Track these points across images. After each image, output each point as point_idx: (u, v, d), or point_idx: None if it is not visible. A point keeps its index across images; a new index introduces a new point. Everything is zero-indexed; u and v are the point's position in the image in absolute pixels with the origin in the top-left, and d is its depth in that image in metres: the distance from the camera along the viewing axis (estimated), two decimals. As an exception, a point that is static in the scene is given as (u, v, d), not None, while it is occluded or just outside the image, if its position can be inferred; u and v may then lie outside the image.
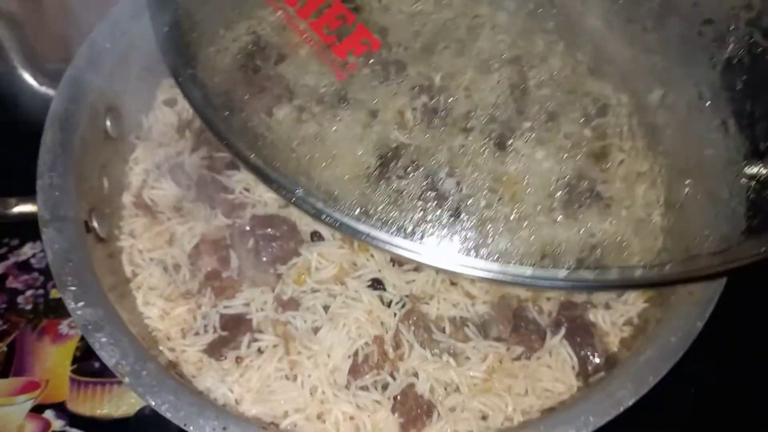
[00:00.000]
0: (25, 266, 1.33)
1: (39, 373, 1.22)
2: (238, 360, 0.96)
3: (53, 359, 1.23)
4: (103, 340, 0.81)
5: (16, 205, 0.89)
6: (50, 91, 0.98)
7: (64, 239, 0.87)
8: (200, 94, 0.82)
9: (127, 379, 0.78)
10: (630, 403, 0.80)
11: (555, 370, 0.97)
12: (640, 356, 0.83)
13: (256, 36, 0.97)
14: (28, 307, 1.29)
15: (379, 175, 0.83)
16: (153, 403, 0.77)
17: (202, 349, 0.97)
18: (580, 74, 1.18)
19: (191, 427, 0.75)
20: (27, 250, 1.35)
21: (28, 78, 0.98)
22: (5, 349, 1.24)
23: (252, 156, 0.78)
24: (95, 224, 0.98)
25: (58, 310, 1.29)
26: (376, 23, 0.99)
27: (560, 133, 0.91)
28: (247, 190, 1.11)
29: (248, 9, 1.01)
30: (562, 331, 1.00)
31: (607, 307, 1.03)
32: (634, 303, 1.03)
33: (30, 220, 0.90)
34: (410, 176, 0.83)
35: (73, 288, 0.84)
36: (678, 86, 1.10)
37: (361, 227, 0.75)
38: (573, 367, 0.97)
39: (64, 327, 1.28)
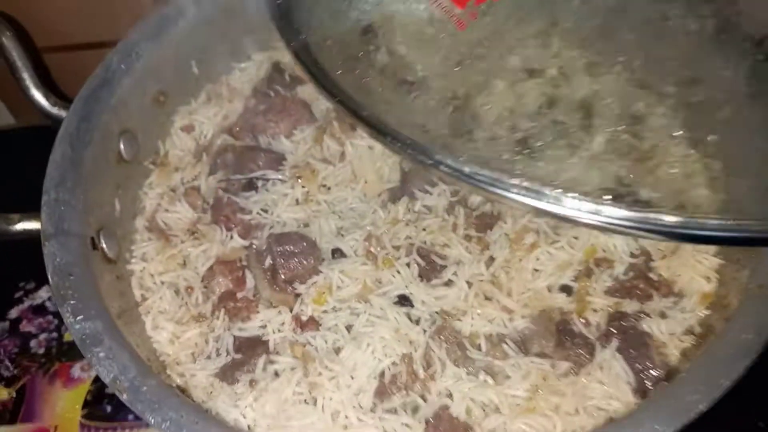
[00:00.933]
0: (39, 310, 1.30)
1: (48, 419, 1.16)
2: (253, 383, 0.87)
3: (63, 404, 1.18)
4: (101, 354, 0.74)
5: (20, 221, 0.85)
6: (63, 113, 0.97)
7: (66, 253, 0.83)
8: (311, 59, 0.78)
9: (125, 396, 0.70)
10: (703, 409, 0.68)
11: (608, 387, 0.85)
12: (711, 356, 0.71)
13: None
14: (41, 350, 1.25)
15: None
16: (152, 421, 0.69)
17: (214, 373, 0.89)
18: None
19: (194, 447, 0.66)
20: (43, 294, 1.32)
21: (39, 98, 0.97)
22: (14, 394, 1.20)
23: (365, 113, 0.71)
24: (103, 244, 0.93)
25: (70, 353, 1.25)
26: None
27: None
28: (264, 210, 1.06)
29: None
30: (614, 343, 0.88)
31: (663, 315, 0.92)
32: (693, 310, 0.91)
33: (35, 238, 0.86)
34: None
35: (72, 302, 0.78)
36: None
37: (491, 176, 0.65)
38: (629, 383, 0.85)
39: (76, 370, 1.23)
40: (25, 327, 1.28)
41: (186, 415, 0.69)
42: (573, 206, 0.63)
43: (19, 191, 0.88)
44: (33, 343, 1.25)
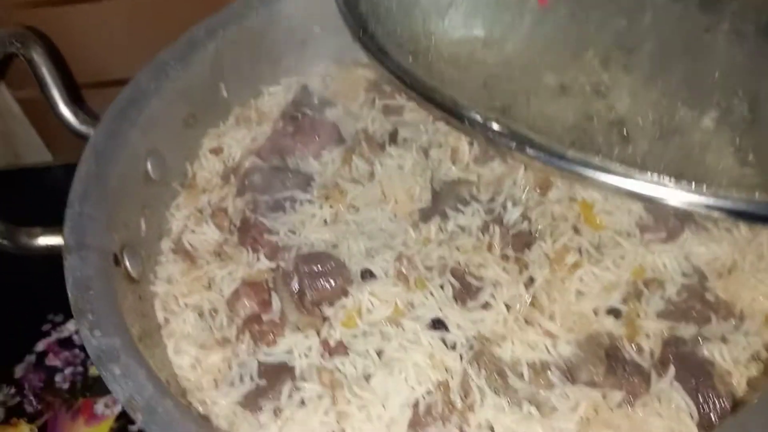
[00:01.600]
0: (66, 343, 1.28)
1: (68, 456, 1.12)
2: (277, 412, 0.81)
3: (85, 441, 1.14)
4: (117, 372, 0.69)
5: (42, 234, 0.82)
6: (90, 130, 0.95)
7: (87, 267, 0.80)
8: (377, 46, 0.75)
9: (139, 416, 0.65)
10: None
11: (668, 420, 0.77)
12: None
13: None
14: (66, 385, 1.23)
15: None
16: (168, 445, 0.63)
17: (237, 401, 0.83)
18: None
19: (211, 474, 0.61)
20: (70, 326, 1.30)
21: (68, 115, 0.96)
22: (36, 431, 1.16)
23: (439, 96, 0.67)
24: (127, 262, 0.90)
25: (95, 387, 1.22)
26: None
27: None
28: (292, 232, 1.02)
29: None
30: (672, 371, 0.80)
31: (724, 340, 0.84)
32: (758, 333, 0.83)
33: (56, 254, 0.83)
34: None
35: (90, 316, 0.74)
36: None
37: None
38: (691, 416, 0.77)
39: (99, 406, 1.20)
40: (51, 361, 1.25)
41: (204, 439, 0.63)
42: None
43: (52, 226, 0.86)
44: (58, 377, 1.22)
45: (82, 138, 0.96)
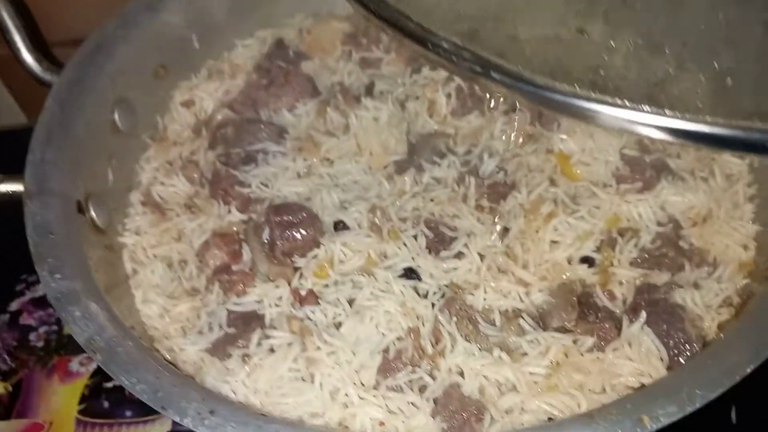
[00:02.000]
0: (40, 302, 1.26)
1: (43, 414, 1.11)
2: (246, 359, 0.80)
3: (60, 399, 1.12)
4: (77, 314, 0.68)
5: (2, 181, 0.80)
6: (55, 78, 0.93)
7: (48, 212, 0.78)
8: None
9: (99, 356, 0.64)
10: (748, 370, 0.59)
11: (638, 363, 0.76)
12: (753, 315, 0.63)
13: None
14: (40, 344, 1.21)
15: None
16: (127, 383, 0.62)
17: (205, 348, 0.82)
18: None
19: (170, 410, 0.60)
20: (44, 285, 1.28)
21: (31, 62, 0.93)
22: (10, 388, 1.15)
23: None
24: (92, 211, 0.88)
25: (69, 346, 1.19)
26: None
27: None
28: (264, 184, 1.01)
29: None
30: (643, 316, 0.80)
31: (697, 286, 0.83)
32: (730, 280, 0.83)
33: (17, 201, 0.81)
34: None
35: (50, 260, 0.72)
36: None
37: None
38: (661, 359, 0.77)
39: (74, 364, 1.18)
40: (26, 320, 1.23)
41: (163, 378, 0.62)
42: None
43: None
44: (32, 336, 1.20)
45: (47, 86, 0.94)
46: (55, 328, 1.22)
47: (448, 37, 0.58)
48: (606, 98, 0.56)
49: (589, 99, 0.56)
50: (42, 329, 1.22)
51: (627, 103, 0.55)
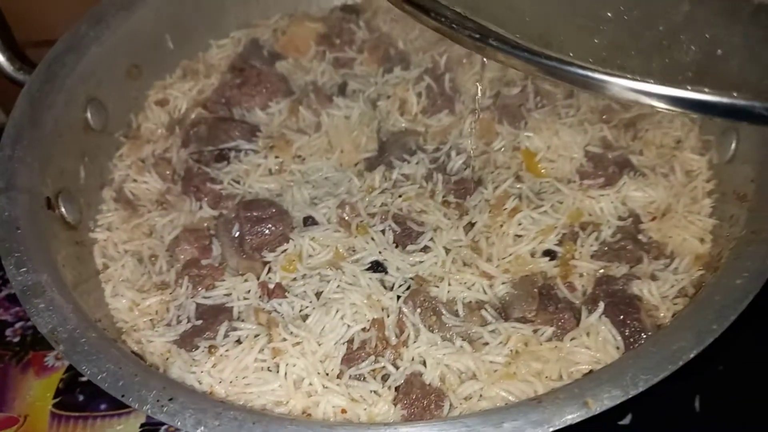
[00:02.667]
0: (16, 298, 1.24)
1: (18, 408, 1.11)
2: (212, 350, 0.81)
3: (35, 393, 1.12)
4: (41, 305, 0.69)
5: (-28, 177, 0.81)
6: (27, 78, 0.94)
7: (16, 207, 0.79)
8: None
9: (61, 347, 0.65)
10: (691, 356, 0.61)
11: (595, 351, 0.78)
12: (700, 303, 0.65)
13: None
14: (16, 339, 1.21)
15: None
16: (88, 372, 0.63)
17: (172, 340, 0.84)
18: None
19: (130, 399, 0.61)
20: (21, 282, 1.28)
21: (4, 63, 0.94)
22: None
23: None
24: (62, 208, 0.89)
25: (45, 342, 1.17)
26: None
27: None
28: (236, 181, 1.02)
29: None
30: (601, 307, 0.82)
31: (654, 278, 0.85)
32: (686, 271, 0.85)
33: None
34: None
35: (17, 254, 0.73)
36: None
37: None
38: (617, 348, 0.79)
39: (50, 359, 1.18)
40: (2, 316, 1.23)
41: (125, 368, 0.64)
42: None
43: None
44: (8, 331, 1.20)
45: (20, 86, 0.95)
46: (30, 323, 1.22)
47: (451, 6, 0.59)
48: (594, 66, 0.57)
49: (587, 68, 0.57)
50: (18, 325, 1.22)
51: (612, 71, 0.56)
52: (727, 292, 0.66)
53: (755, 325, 0.75)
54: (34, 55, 1.36)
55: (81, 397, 1.09)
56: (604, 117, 1.06)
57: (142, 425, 1.01)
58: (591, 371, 0.73)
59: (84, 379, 1.13)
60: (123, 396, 0.62)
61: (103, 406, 1.07)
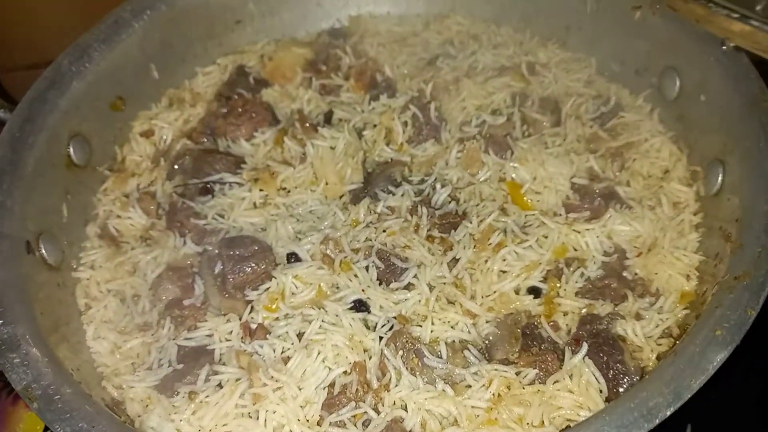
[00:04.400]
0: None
1: (7, 440, 1.11)
2: (192, 396, 0.81)
3: (25, 425, 1.12)
4: (16, 360, 0.69)
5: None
6: (7, 115, 0.94)
7: (-6, 256, 0.78)
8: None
9: (35, 405, 0.65)
10: (668, 413, 0.60)
11: (578, 395, 0.77)
12: (680, 354, 0.64)
13: None
14: (7, 370, 1.21)
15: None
16: (61, 432, 0.63)
17: (153, 385, 0.83)
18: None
19: (103, 460, 0.60)
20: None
21: (-16, 101, 0.94)
22: None
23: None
24: (43, 249, 0.89)
25: None
26: None
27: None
28: (221, 215, 1.02)
29: None
30: (584, 348, 0.81)
31: (638, 317, 0.85)
32: (671, 310, 0.84)
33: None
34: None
35: (-6, 305, 0.73)
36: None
37: None
38: (600, 391, 0.78)
39: None
40: (-8, 346, 1.24)
41: (98, 427, 0.63)
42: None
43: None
44: (0, 361, 1.22)
45: (1, 124, 0.94)
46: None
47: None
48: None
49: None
50: (9, 356, 1.23)
51: None
52: (707, 345, 0.65)
53: (748, 354, 0.74)
54: (10, 81, 1.36)
55: (70, 429, 1.09)
56: (591, 146, 1.05)
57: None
58: (568, 427, 0.72)
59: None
60: (95, 458, 0.61)
61: (92, 439, 1.07)
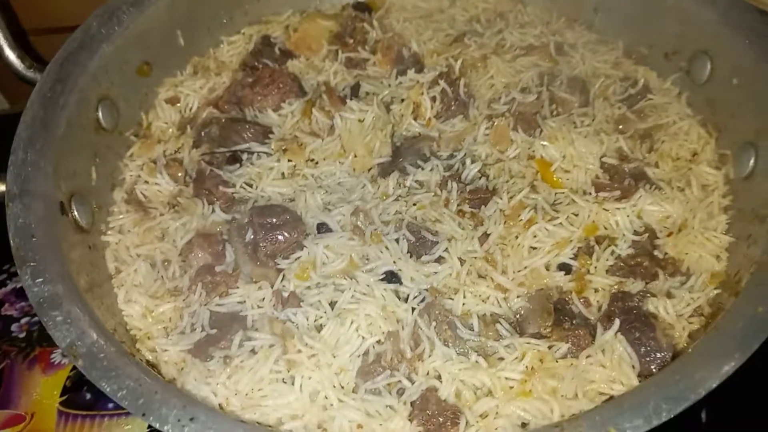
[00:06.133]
0: (22, 293, 1.23)
1: (25, 406, 1.11)
2: (227, 360, 0.81)
3: (42, 391, 1.12)
4: (59, 318, 0.68)
5: (-16, 182, 0.80)
6: (38, 76, 0.92)
7: (30, 214, 0.78)
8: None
9: (80, 362, 0.65)
10: (713, 386, 0.61)
11: (611, 370, 0.78)
12: (720, 331, 0.65)
13: None
14: (22, 335, 1.20)
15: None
16: (108, 389, 0.63)
17: (187, 349, 0.83)
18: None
19: (150, 417, 0.61)
20: (27, 277, 1.27)
21: (14, 59, 0.92)
22: None
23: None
24: (75, 211, 0.88)
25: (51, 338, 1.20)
26: None
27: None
28: (249, 185, 1.01)
29: None
30: (616, 324, 0.82)
31: (669, 295, 0.86)
32: (702, 290, 0.85)
33: (1, 202, 0.81)
34: None
35: (32, 264, 0.73)
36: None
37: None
38: (633, 366, 0.79)
39: (56, 356, 1.18)
40: (8, 311, 1.23)
41: (144, 384, 0.63)
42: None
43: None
44: (14, 327, 1.19)
45: (31, 84, 0.93)
46: (36, 319, 1.21)
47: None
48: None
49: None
50: (24, 320, 1.22)
51: None
52: (748, 321, 0.66)
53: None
54: (38, 42, 1.35)
55: (88, 396, 1.09)
56: (620, 127, 1.05)
57: (150, 425, 1.01)
58: (611, 397, 0.73)
59: (86, 375, 1.14)
60: (144, 415, 0.61)
61: (110, 405, 1.07)
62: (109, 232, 0.96)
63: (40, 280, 0.72)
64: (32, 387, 1.12)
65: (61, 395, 1.10)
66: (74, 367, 1.14)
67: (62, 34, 0.99)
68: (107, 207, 0.99)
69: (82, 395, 1.09)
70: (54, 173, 0.86)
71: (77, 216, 0.89)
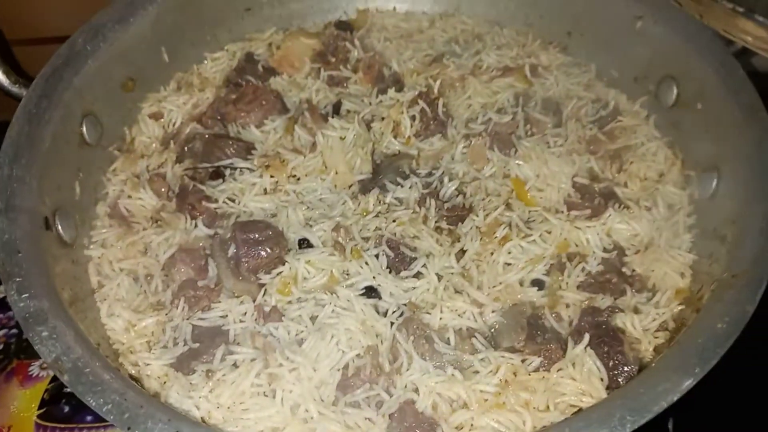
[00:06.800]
0: (0, 305, 1.25)
1: (2, 419, 1.10)
2: (209, 374, 0.83)
3: (19, 404, 1.12)
4: (44, 333, 0.69)
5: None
6: (23, 91, 0.93)
7: (16, 229, 0.79)
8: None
9: (66, 377, 0.66)
10: (674, 399, 0.65)
11: (580, 383, 0.82)
12: (682, 345, 0.69)
13: None
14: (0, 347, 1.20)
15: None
16: (94, 404, 0.64)
17: (169, 363, 0.85)
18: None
19: (136, 431, 0.62)
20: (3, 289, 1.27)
21: (0, 77, 0.93)
22: None
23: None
24: (59, 226, 0.89)
25: (30, 350, 1.18)
26: None
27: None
28: (231, 199, 1.03)
29: None
30: (586, 339, 0.86)
31: (636, 311, 0.90)
32: (667, 305, 0.89)
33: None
34: None
35: (18, 279, 0.74)
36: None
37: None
38: (601, 379, 0.82)
39: (35, 368, 1.17)
40: (-17, 323, 1.23)
41: (130, 398, 0.65)
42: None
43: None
44: (-8, 339, 1.20)
45: (16, 99, 0.94)
46: (14, 331, 1.21)
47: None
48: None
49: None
50: (1, 332, 1.21)
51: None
52: (709, 336, 0.70)
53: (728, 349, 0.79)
54: (22, 54, 1.35)
55: (66, 408, 1.09)
56: (591, 147, 1.09)
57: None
58: (581, 410, 0.76)
59: (70, 389, 1.14)
60: (129, 429, 0.63)
61: (89, 418, 1.07)
62: (92, 247, 0.97)
63: (26, 295, 0.73)
64: (9, 400, 1.11)
65: (39, 408, 1.10)
66: (53, 380, 1.14)
67: (45, 45, 1.00)
68: (90, 221, 1.00)
69: (60, 408, 1.09)
70: (39, 188, 0.87)
71: (61, 231, 0.90)
